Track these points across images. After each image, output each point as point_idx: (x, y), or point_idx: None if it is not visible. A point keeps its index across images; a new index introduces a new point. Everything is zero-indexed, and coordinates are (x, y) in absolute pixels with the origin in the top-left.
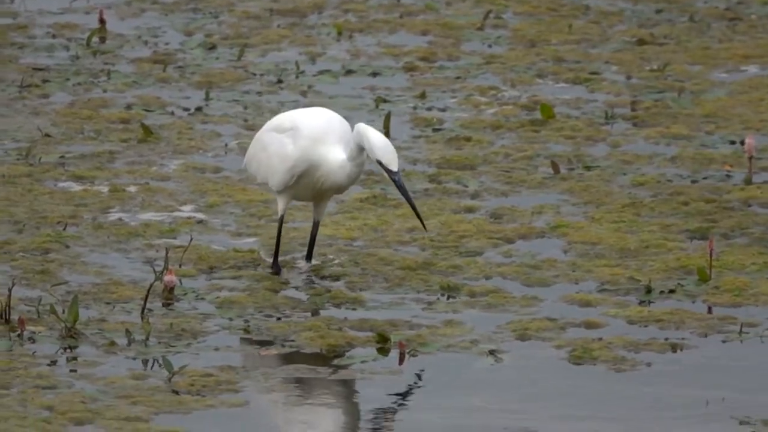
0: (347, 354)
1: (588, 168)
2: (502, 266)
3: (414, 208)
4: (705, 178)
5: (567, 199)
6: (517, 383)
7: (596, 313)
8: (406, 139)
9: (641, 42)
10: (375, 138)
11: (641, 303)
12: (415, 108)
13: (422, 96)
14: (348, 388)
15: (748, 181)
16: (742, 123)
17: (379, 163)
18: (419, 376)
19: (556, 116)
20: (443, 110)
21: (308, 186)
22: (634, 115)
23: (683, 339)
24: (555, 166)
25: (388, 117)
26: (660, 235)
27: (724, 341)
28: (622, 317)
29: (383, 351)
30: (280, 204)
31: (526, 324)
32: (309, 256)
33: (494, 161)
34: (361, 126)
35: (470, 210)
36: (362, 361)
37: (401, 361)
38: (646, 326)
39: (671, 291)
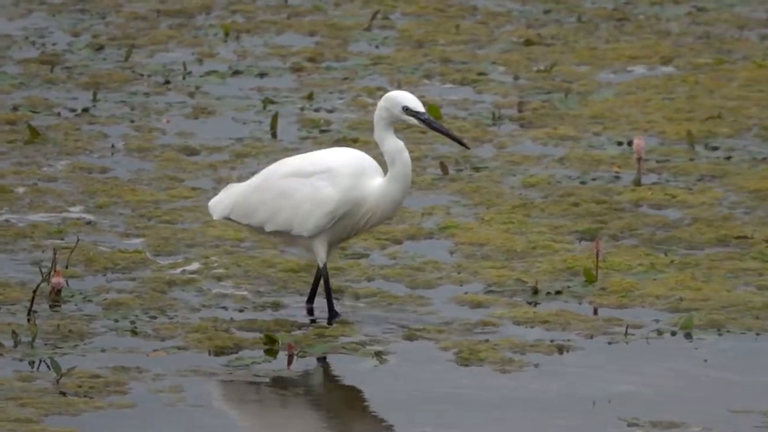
0: (235, 355)
1: (477, 169)
2: (385, 268)
3: (451, 135)
4: (594, 180)
5: (458, 200)
6: (402, 384)
7: (483, 314)
8: (294, 140)
9: (529, 42)
10: (395, 93)
11: (529, 304)
12: (302, 109)
13: (310, 97)
14: (236, 389)
15: (637, 183)
16: (629, 124)
17: (407, 110)
18: (306, 378)
19: (443, 117)
20: (331, 111)
21: (345, 227)
22: (521, 116)
23: (569, 340)
24: (444, 167)
25: (275, 118)
26: (548, 236)
27: (609, 343)
28: (509, 318)
29: (271, 352)
30: (321, 252)
31: (414, 325)
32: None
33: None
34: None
35: None
36: (252, 362)
37: (290, 362)
38: (532, 327)
39: (558, 292)
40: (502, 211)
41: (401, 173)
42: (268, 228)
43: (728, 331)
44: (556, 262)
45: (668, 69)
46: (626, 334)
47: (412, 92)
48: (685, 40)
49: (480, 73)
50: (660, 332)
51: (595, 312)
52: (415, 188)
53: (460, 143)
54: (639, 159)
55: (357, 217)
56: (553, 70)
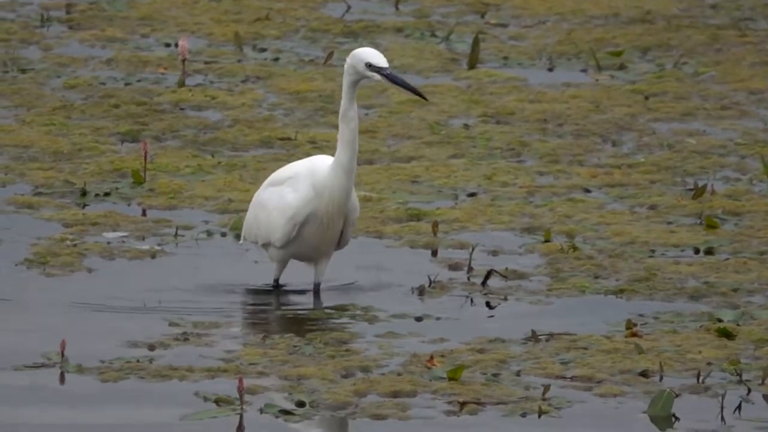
0: None
1: (23, 71)
2: None
3: (412, 89)
4: (139, 81)
5: None
6: None
7: (32, 214)
8: None
9: None
10: (359, 50)
11: (77, 206)
12: None
13: None
14: None
15: (181, 84)
16: (177, 26)
17: (370, 66)
18: None
19: None
20: None
21: (313, 233)
22: (70, 17)
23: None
24: None
25: None
26: (91, 138)
27: (160, 245)
28: (58, 220)
29: None
30: (276, 268)
31: None
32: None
33: None
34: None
35: None
36: None
37: None
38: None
39: (106, 194)
40: (42, 114)
41: (347, 138)
42: (259, 241)
43: None
44: (103, 164)
45: None
46: (176, 235)
47: None
48: None
49: None
50: (210, 233)
51: (144, 213)
52: None
53: (422, 97)
54: (183, 60)
55: (318, 219)
56: None
